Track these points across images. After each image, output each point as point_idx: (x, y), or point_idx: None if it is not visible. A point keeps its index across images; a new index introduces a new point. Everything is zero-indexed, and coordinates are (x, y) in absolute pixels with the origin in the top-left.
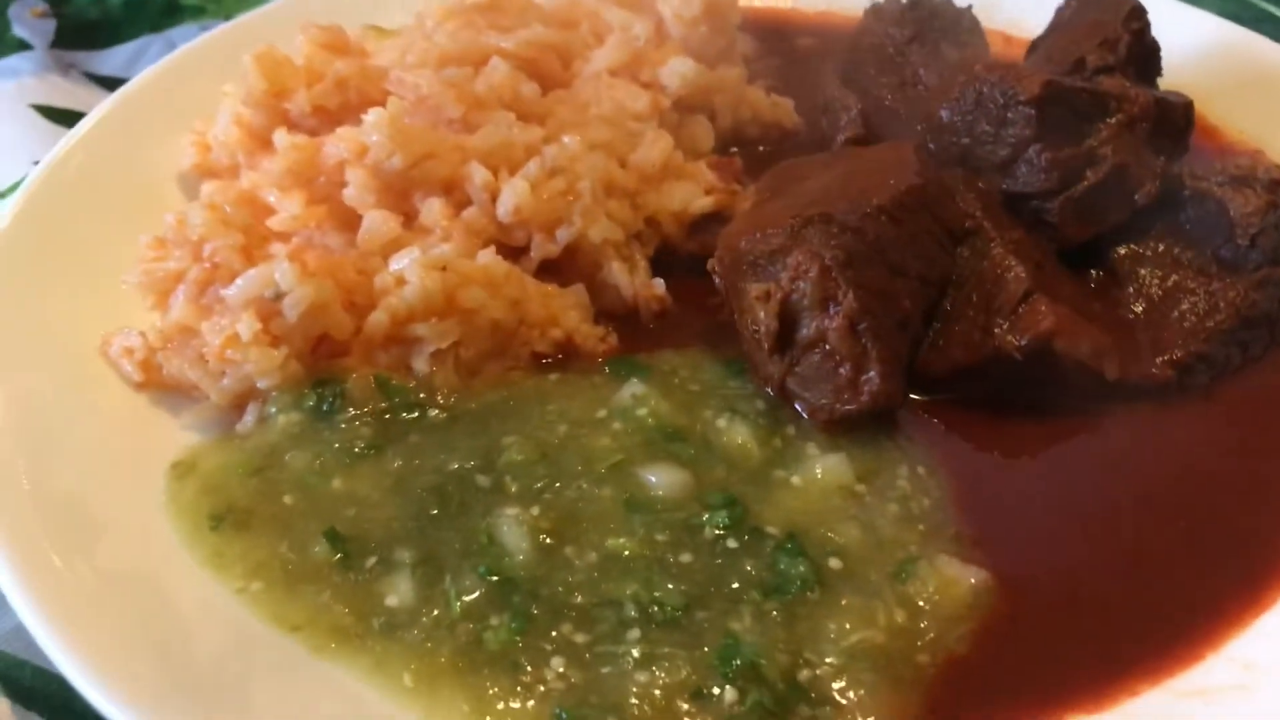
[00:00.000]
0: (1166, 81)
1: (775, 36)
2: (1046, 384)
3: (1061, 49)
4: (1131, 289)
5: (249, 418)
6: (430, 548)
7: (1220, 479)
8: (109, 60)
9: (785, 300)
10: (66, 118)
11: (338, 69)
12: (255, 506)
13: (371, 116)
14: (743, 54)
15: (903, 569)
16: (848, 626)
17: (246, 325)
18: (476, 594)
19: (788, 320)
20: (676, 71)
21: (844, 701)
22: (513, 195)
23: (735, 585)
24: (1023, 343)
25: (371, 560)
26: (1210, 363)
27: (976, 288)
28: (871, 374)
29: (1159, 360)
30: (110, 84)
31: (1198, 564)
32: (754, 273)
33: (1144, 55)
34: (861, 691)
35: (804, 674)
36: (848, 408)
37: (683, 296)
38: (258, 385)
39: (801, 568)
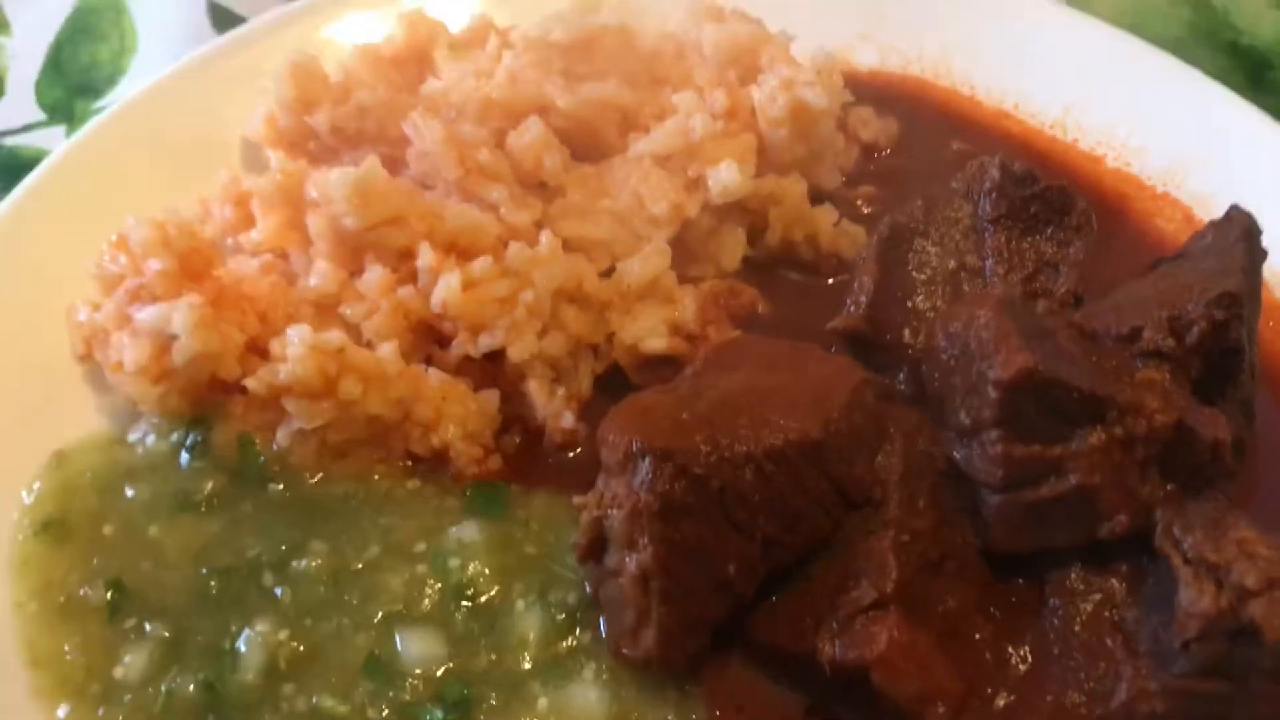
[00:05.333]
0: None
1: (931, 129)
2: (866, 707)
3: (1144, 300)
4: (1046, 625)
5: (138, 429)
6: (183, 631)
7: None
8: None
9: (598, 521)
10: (228, 21)
11: (360, 98)
12: (80, 526)
13: (335, 175)
14: (874, 141)
15: None
16: None
17: (132, 357)
18: (185, 697)
19: (598, 539)
20: (722, 178)
21: None
22: (444, 290)
23: None
24: (837, 657)
25: (131, 622)
26: None
27: (842, 568)
28: (649, 635)
29: None
30: None
31: None
32: (603, 468)
33: (1219, 351)
34: None
35: None
36: (623, 651)
37: None
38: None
39: None
